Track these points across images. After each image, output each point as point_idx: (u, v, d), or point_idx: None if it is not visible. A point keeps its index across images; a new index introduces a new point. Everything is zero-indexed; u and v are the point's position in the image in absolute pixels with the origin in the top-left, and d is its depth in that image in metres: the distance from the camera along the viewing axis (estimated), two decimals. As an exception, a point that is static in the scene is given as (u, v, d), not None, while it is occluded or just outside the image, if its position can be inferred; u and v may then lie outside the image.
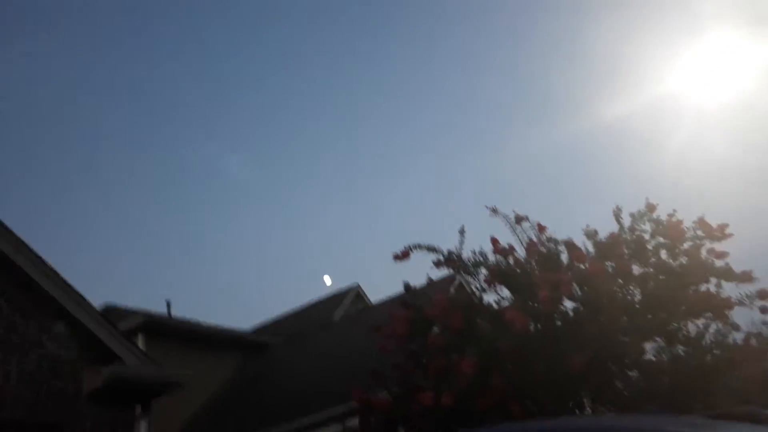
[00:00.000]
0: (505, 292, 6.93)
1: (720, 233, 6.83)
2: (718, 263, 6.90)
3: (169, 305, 16.46)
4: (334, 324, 15.95)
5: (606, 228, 6.98)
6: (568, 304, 6.74)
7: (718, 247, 6.91)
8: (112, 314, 13.18)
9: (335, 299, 17.91)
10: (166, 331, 14.29)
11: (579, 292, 6.60)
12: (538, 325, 6.64)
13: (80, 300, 9.40)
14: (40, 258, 8.45)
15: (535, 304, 6.49)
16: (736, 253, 6.99)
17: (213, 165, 33.03)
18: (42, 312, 8.72)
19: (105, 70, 28.40)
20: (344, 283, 18.79)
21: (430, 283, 7.56)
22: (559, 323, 6.71)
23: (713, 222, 6.93)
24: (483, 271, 6.91)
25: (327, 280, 22.86)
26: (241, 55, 30.26)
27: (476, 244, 7.04)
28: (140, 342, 13.69)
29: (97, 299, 10.47)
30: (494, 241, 6.88)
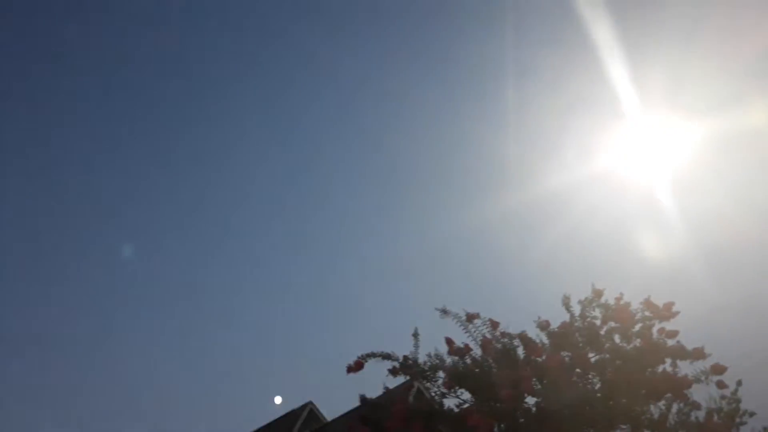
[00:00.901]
0: (466, 395, 6.72)
1: (667, 312, 6.90)
2: (670, 342, 6.93)
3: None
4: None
5: (554, 310, 6.97)
6: (530, 400, 6.59)
7: (668, 326, 6.96)
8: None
9: (288, 420, 17.09)
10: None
11: (539, 386, 6.47)
12: (502, 426, 6.43)
13: None
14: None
15: (497, 404, 6.30)
16: (684, 322, 7.06)
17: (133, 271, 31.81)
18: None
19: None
20: (296, 402, 18.05)
21: (387, 392, 7.26)
22: (522, 421, 6.52)
23: (659, 300, 7.01)
24: (441, 374, 6.70)
25: (277, 399, 21.88)
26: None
27: (429, 346, 6.87)
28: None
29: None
30: (449, 342, 6.73)
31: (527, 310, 6.92)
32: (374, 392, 7.19)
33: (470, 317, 6.76)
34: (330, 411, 17.12)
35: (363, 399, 6.98)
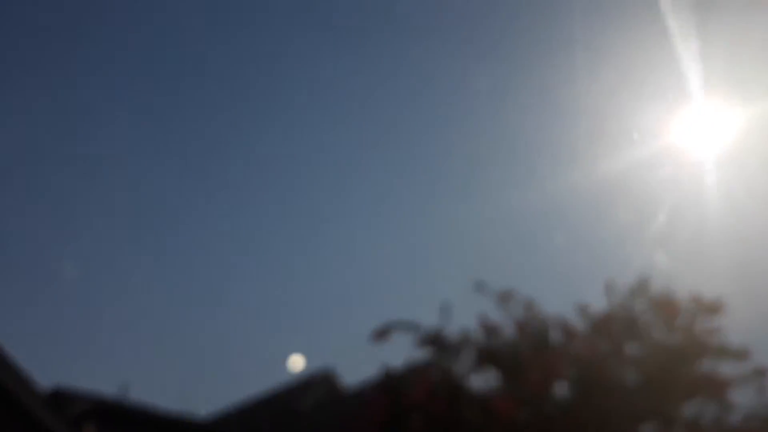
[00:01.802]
0: (492, 375, 6.48)
1: (715, 307, 6.55)
2: (714, 340, 6.62)
3: (125, 389, 15.50)
4: (304, 413, 15.12)
5: (597, 295, 6.65)
6: (560, 387, 6.35)
7: (713, 322, 6.64)
8: (61, 398, 12.30)
9: (305, 384, 17.07)
10: (120, 417, 13.36)
11: (571, 374, 6.21)
12: (527, 412, 6.21)
13: (25, 382, 8.74)
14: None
15: (525, 387, 6.08)
16: (732, 322, 6.75)
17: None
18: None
19: None
20: (315, 366, 17.99)
21: (410, 364, 7.04)
22: (549, 408, 6.29)
23: (706, 291, 6.68)
24: (468, 351, 6.46)
25: (296, 362, 21.89)
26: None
27: (459, 320, 6.60)
28: (91, 429, 12.79)
29: (45, 381, 9.72)
30: (481, 319, 6.46)
31: (573, 295, 6.64)
32: (394, 360, 6.98)
33: (506, 295, 6.47)
34: (350, 378, 17.05)
35: (387, 371, 6.77)
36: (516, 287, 6.45)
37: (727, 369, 6.66)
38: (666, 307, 6.48)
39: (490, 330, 6.44)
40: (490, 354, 6.33)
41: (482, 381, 6.50)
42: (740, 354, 6.58)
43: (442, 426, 6.10)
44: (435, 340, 6.53)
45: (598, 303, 6.65)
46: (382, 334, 6.51)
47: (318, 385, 16.63)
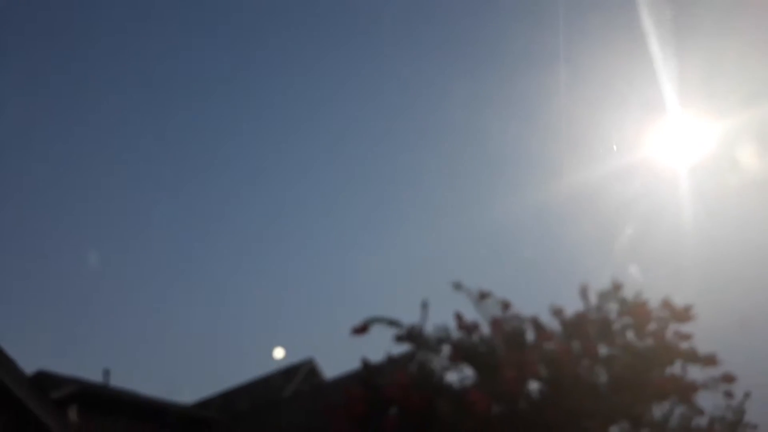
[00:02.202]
0: (468, 372, 6.67)
1: (685, 315, 6.80)
2: (684, 345, 6.86)
3: (107, 375, 15.62)
4: (284, 401, 15.28)
5: (571, 303, 6.89)
6: (533, 386, 6.55)
7: (683, 328, 6.88)
8: (44, 382, 12.40)
9: (287, 374, 17.26)
10: (102, 402, 13.51)
11: (544, 373, 6.41)
12: (501, 408, 6.40)
13: (9, 365, 8.82)
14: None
15: (499, 385, 6.26)
16: (700, 328, 6.99)
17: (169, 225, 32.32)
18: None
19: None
20: (297, 358, 18.19)
21: (390, 359, 7.22)
22: (522, 405, 6.48)
23: (678, 299, 6.93)
24: (445, 347, 6.64)
25: (278, 353, 22.08)
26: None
27: (438, 319, 6.80)
28: (73, 412, 12.87)
29: (28, 366, 9.79)
30: (458, 317, 6.65)
31: (549, 300, 6.86)
32: (376, 359, 7.17)
33: (482, 295, 6.67)
34: (330, 371, 17.24)
35: (365, 362, 6.94)
36: (494, 290, 6.66)
37: (696, 374, 6.92)
38: (638, 311, 6.70)
39: (466, 328, 6.63)
40: (466, 351, 6.51)
41: (458, 377, 6.69)
42: (709, 360, 6.83)
43: (417, 419, 6.25)
44: (413, 336, 6.71)
45: (574, 307, 6.88)
46: (362, 328, 6.67)
47: (299, 375, 16.84)
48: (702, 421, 7.25)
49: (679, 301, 6.90)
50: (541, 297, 6.83)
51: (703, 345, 6.91)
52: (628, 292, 6.89)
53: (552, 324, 6.75)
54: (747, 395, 8.14)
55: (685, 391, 6.75)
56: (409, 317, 6.83)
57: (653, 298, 6.96)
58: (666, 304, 6.82)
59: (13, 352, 8.88)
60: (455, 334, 6.71)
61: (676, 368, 6.87)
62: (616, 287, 6.86)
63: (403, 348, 7.15)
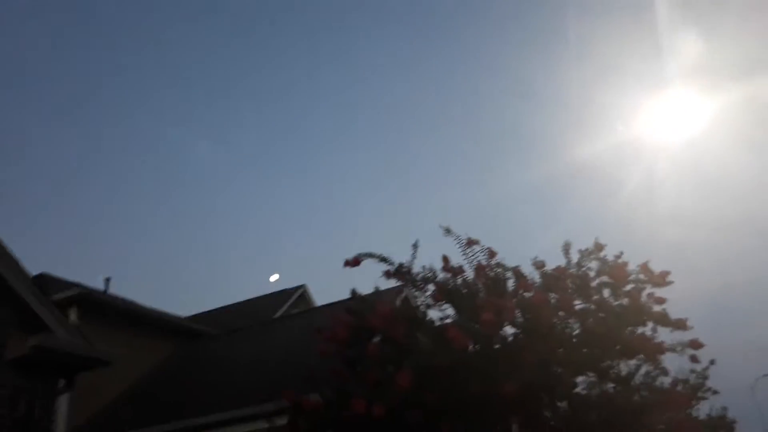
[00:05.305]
0: (450, 311, 7.00)
1: (661, 280, 7.03)
2: (656, 308, 7.09)
3: (107, 282, 16.07)
4: (275, 321, 15.80)
5: (555, 262, 7.13)
6: (509, 330, 6.85)
7: (659, 292, 7.11)
8: (46, 284, 12.81)
9: (280, 297, 17.77)
10: (101, 307, 13.94)
11: (521, 320, 6.71)
12: (477, 346, 6.71)
13: (12, 264, 9.06)
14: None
15: (477, 326, 6.56)
16: (677, 296, 7.21)
17: (174, 150, 32.55)
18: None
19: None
20: (292, 284, 18.70)
21: (377, 292, 7.57)
22: (497, 347, 6.80)
23: (657, 267, 7.13)
24: (431, 287, 6.96)
25: (274, 277, 22.61)
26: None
27: (428, 262, 7.11)
28: (73, 315, 13.32)
29: (32, 269, 10.09)
30: (445, 259, 6.95)
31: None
32: (367, 291, 7.52)
33: (470, 242, 6.94)
34: (321, 298, 17.77)
35: (353, 293, 7.30)
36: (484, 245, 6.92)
37: (665, 337, 7.20)
38: (616, 271, 6.95)
39: (452, 270, 6.93)
40: (449, 292, 6.83)
41: (439, 315, 7.05)
42: (679, 324, 7.08)
43: (397, 348, 6.62)
44: (401, 273, 7.03)
45: (556, 263, 7.14)
46: (354, 261, 6.98)
47: (291, 299, 17.37)
48: (666, 381, 7.60)
49: (659, 266, 7.08)
50: (531, 255, 7.09)
51: (683, 311, 7.11)
52: (609, 252, 7.12)
53: (533, 276, 7.03)
54: (712, 362, 8.52)
55: (653, 351, 6.98)
56: (402, 253, 7.14)
57: (634, 260, 7.16)
58: (644, 267, 7.03)
59: (18, 254, 9.12)
60: (441, 275, 7.04)
61: (646, 329, 7.12)
62: (598, 247, 7.10)
63: (391, 284, 7.51)
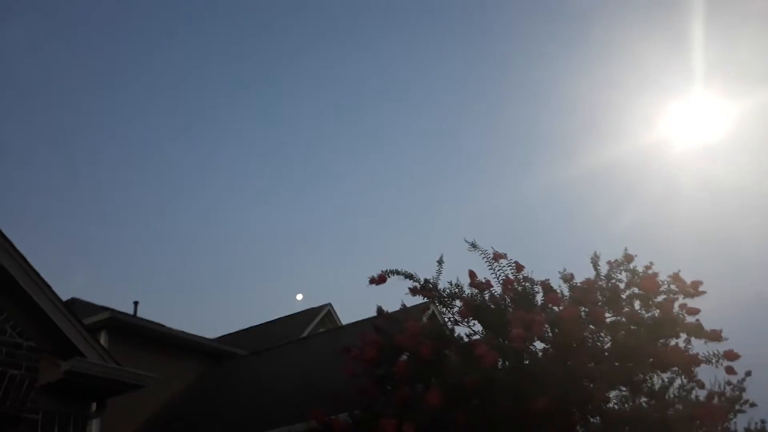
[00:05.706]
0: (477, 327, 6.94)
1: (693, 290, 6.90)
2: (689, 319, 6.96)
3: (136, 306, 16.23)
4: (302, 341, 15.80)
5: (583, 273, 7.04)
6: (539, 345, 6.77)
7: (691, 303, 6.98)
8: (76, 308, 12.93)
9: (306, 316, 17.77)
10: (131, 331, 14.04)
11: (550, 334, 6.62)
12: (507, 363, 6.63)
13: (45, 288, 9.16)
14: (6, 240, 8.22)
15: (506, 342, 6.49)
16: (708, 304, 7.06)
17: (200, 169, 32.90)
18: (3, 297, 8.49)
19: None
20: (317, 303, 18.72)
21: (404, 309, 7.54)
22: (527, 363, 6.71)
23: (688, 277, 7.01)
24: (458, 302, 6.91)
25: (299, 297, 22.68)
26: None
27: (453, 276, 7.06)
28: (103, 339, 13.43)
29: (62, 294, 10.22)
30: (471, 275, 6.90)
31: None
32: (392, 309, 7.49)
33: (497, 256, 6.89)
34: (347, 317, 17.74)
35: (380, 310, 7.28)
36: (508, 254, 6.86)
37: (699, 348, 7.03)
38: (647, 282, 6.84)
39: (478, 285, 6.88)
40: (476, 307, 6.77)
41: (467, 331, 6.99)
42: (713, 335, 6.92)
43: (425, 366, 6.57)
44: (427, 290, 6.99)
45: (584, 274, 7.05)
46: (380, 279, 6.96)
47: (318, 317, 17.36)
48: (701, 394, 7.42)
49: (689, 275, 6.95)
50: (558, 266, 7.01)
51: (714, 321, 6.96)
52: (639, 263, 7.01)
53: (561, 289, 6.95)
54: (748, 373, 8.29)
55: (687, 363, 6.84)
56: (428, 269, 7.10)
57: (664, 270, 7.04)
58: (675, 277, 6.92)
59: (48, 279, 9.24)
60: (467, 290, 6.99)
61: (680, 341, 6.97)
62: (628, 258, 7.00)
63: (417, 300, 7.47)
